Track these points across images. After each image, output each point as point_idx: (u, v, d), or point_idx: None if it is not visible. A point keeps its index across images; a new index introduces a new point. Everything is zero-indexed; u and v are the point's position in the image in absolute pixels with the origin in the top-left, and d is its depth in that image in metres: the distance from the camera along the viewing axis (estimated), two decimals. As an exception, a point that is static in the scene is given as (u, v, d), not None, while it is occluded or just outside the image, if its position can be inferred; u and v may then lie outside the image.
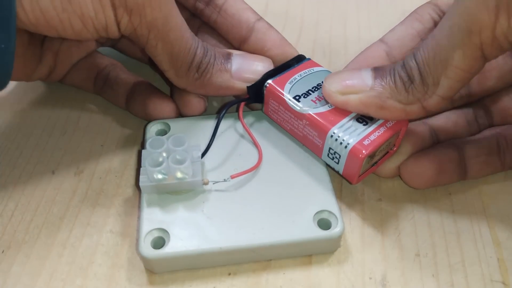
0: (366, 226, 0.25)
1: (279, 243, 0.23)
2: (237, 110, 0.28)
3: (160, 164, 0.24)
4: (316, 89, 0.26)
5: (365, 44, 0.28)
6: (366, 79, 0.24)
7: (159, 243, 0.23)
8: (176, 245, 0.22)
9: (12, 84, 0.34)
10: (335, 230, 0.23)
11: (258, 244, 0.23)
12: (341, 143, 0.24)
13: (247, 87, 0.27)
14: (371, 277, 0.23)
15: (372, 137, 0.24)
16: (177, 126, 0.28)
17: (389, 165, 0.26)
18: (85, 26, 0.22)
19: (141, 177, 0.24)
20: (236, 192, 0.25)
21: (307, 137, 0.26)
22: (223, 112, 0.26)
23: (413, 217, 0.26)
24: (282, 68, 0.27)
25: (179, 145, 0.25)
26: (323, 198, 0.24)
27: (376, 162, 0.26)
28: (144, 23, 0.23)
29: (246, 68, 0.27)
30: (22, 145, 0.29)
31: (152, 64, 0.33)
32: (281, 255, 0.24)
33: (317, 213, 0.24)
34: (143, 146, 0.29)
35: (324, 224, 0.23)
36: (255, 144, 0.27)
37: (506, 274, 0.23)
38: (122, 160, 0.29)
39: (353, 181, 0.25)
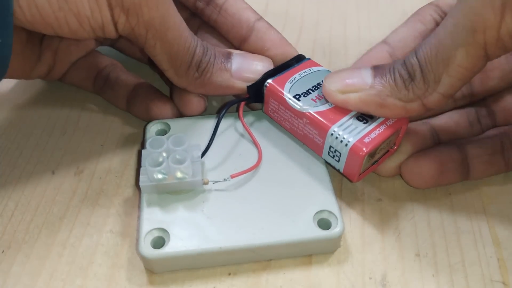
0: (366, 226, 0.25)
1: (279, 243, 0.23)
2: (237, 110, 0.28)
3: (160, 164, 0.24)
4: (316, 88, 0.26)
5: (365, 44, 0.29)
6: (365, 77, 0.24)
7: (159, 243, 0.23)
8: (176, 245, 0.22)
9: (12, 84, 0.34)
10: (335, 230, 0.23)
11: (258, 244, 0.23)
12: (341, 141, 0.24)
13: (247, 86, 0.27)
14: (371, 277, 0.23)
15: (372, 135, 0.24)
16: (177, 126, 0.28)
17: (390, 164, 0.26)
18: (81, 25, 0.22)
19: (141, 177, 0.24)
20: (236, 192, 0.25)
21: (307, 136, 0.26)
22: (223, 111, 0.26)
23: (413, 217, 0.26)
24: (282, 67, 0.27)
25: (179, 145, 0.25)
26: (323, 198, 0.24)
27: (376, 161, 0.26)
28: (142, 23, 0.23)
29: (246, 67, 0.27)
30: (22, 145, 0.29)
31: (151, 64, 0.33)
32: (281, 255, 0.24)
33: (317, 213, 0.24)
34: (143, 146, 0.29)
35: (324, 224, 0.23)
36: (255, 143, 0.27)
37: (506, 274, 0.23)
38: (122, 160, 0.29)
39: (353, 179, 0.25)
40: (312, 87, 0.26)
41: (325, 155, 0.25)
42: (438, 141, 0.27)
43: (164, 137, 0.25)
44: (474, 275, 0.23)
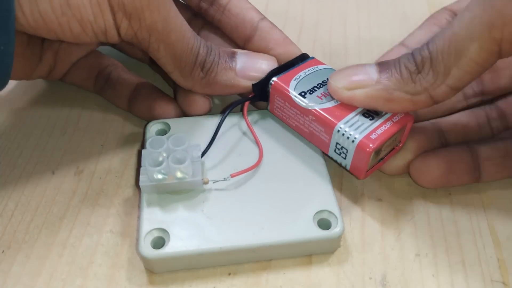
0: (366, 226, 0.25)
1: (279, 243, 0.23)
2: (242, 109, 0.28)
3: (160, 164, 0.24)
4: (322, 86, 0.26)
5: (365, 44, 0.29)
6: (371, 73, 0.24)
7: (159, 243, 0.23)
8: (176, 245, 0.22)
9: (12, 84, 0.34)
10: (335, 230, 0.23)
11: (258, 244, 0.23)
12: (348, 137, 0.24)
13: (252, 85, 0.27)
14: (371, 277, 0.23)
15: (379, 131, 0.24)
16: (177, 125, 0.28)
17: (396, 162, 0.26)
18: (84, 30, 0.22)
19: (141, 177, 0.24)
20: (236, 192, 0.25)
21: (313, 133, 0.26)
22: (228, 111, 0.26)
23: (413, 217, 0.26)
24: (286, 66, 0.28)
25: (179, 144, 0.25)
26: (323, 198, 0.24)
27: (382, 158, 0.26)
28: (144, 27, 0.23)
29: (250, 66, 0.27)
30: (22, 145, 0.29)
31: (152, 64, 0.33)
32: (281, 255, 0.24)
33: (317, 213, 0.24)
34: (143, 145, 0.29)
35: (324, 224, 0.23)
36: (257, 143, 0.27)
37: (506, 274, 0.23)
38: (122, 160, 0.29)
39: (360, 176, 0.25)
40: (318, 84, 0.26)
41: (331, 152, 0.25)
42: (446, 142, 0.27)
43: (164, 137, 0.25)
44: (474, 275, 0.23)
